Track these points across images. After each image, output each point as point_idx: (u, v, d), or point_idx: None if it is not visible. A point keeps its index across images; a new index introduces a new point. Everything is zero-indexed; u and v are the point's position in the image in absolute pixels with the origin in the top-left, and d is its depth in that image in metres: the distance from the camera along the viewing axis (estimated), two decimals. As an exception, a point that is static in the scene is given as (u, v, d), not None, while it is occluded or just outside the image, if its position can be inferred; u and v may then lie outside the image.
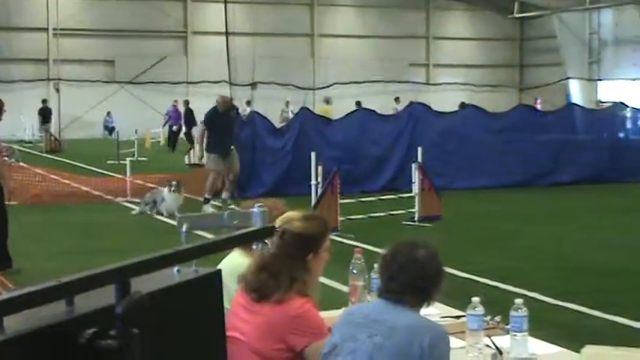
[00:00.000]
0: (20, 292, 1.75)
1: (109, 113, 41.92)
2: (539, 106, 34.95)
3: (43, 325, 1.76)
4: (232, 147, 16.70)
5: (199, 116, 38.25)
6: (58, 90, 42.02)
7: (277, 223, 3.85)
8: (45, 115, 36.98)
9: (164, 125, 36.31)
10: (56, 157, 29.50)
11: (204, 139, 16.89)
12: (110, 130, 40.24)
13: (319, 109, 31.41)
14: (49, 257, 10.79)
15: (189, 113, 36.00)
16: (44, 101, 37.89)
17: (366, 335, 3.41)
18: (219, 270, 2.26)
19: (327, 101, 34.28)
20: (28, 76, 41.73)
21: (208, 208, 15.51)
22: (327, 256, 4.14)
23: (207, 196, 15.95)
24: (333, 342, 3.53)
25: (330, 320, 3.89)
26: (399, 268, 3.48)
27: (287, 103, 37.05)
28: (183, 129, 34.84)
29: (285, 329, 3.58)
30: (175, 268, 2.12)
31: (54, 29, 43.51)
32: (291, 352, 3.62)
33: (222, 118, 16.62)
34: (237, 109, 18.08)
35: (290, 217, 3.95)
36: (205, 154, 17.01)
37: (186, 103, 36.92)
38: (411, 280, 3.46)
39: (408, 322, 3.40)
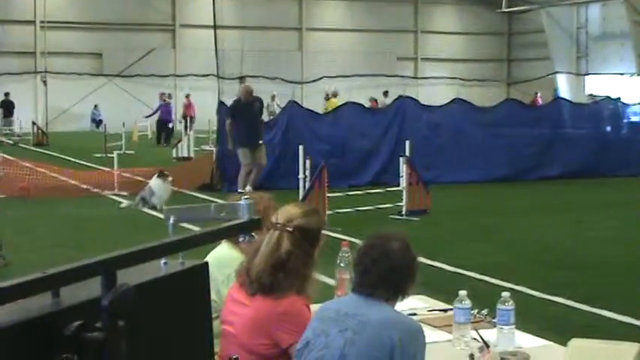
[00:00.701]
0: (5, 285, 1.74)
1: (96, 106, 41.82)
2: (540, 101, 35.13)
3: (29, 317, 1.75)
4: (260, 141, 16.54)
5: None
6: (45, 83, 41.90)
7: (281, 219, 3.85)
8: (7, 108, 37.00)
9: (148, 116, 36.14)
10: (43, 150, 29.41)
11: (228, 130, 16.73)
12: (98, 123, 40.10)
13: (328, 102, 31.26)
14: (36, 250, 10.78)
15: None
16: (6, 94, 37.68)
17: (338, 330, 3.37)
18: (206, 262, 2.26)
19: (335, 95, 34.24)
20: (15, 69, 41.61)
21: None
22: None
23: (239, 190, 15.75)
24: (306, 338, 3.50)
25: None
26: (372, 262, 3.43)
27: (273, 97, 37.07)
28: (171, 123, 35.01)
29: (272, 325, 3.57)
30: (162, 261, 2.12)
31: (41, 22, 43.37)
32: (276, 349, 3.61)
33: (245, 109, 16.61)
34: (261, 100, 17.77)
35: (294, 214, 3.92)
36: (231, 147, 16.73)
37: (164, 96, 37.06)
38: (383, 274, 3.41)
39: (380, 317, 3.36)
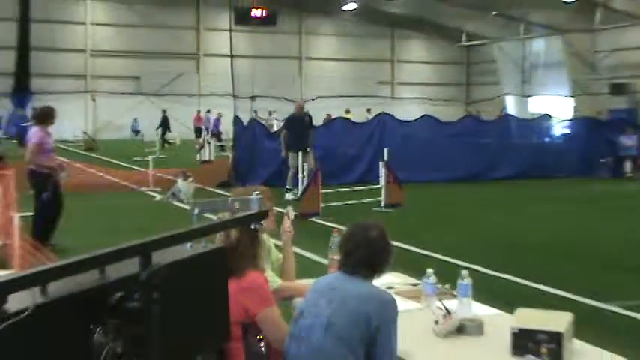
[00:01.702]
0: (61, 263, 1.74)
1: (135, 119, 41.83)
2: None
3: (81, 289, 1.75)
4: (308, 148, 16.22)
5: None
6: (94, 100, 41.97)
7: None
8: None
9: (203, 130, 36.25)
10: (92, 155, 29.36)
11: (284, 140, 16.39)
12: (136, 132, 40.15)
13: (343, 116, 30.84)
14: (88, 234, 10.76)
15: (166, 120, 36.36)
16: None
17: (326, 301, 3.36)
18: (224, 246, 2.26)
19: (348, 111, 34.15)
20: (70, 88, 41.60)
21: (289, 196, 15.29)
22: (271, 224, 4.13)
23: (288, 186, 15.74)
24: (301, 307, 3.50)
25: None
26: (354, 247, 3.43)
27: (270, 112, 37.10)
28: (167, 133, 35.22)
29: (239, 298, 3.43)
30: (188, 244, 2.11)
31: (91, 51, 43.47)
32: (248, 316, 3.52)
33: (297, 121, 16.49)
34: (310, 115, 17.41)
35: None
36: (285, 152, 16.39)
37: (164, 111, 37.10)
38: (364, 257, 3.42)
39: (359, 291, 3.35)
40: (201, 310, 2.03)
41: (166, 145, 33.52)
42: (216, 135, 33.42)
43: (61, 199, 10.24)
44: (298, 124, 16.36)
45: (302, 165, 15.40)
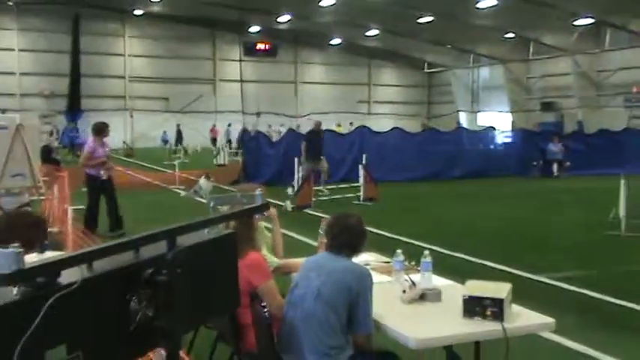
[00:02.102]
0: (103, 246, 1.73)
1: (164, 132, 41.65)
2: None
3: (119, 266, 1.74)
4: (322, 156, 16.07)
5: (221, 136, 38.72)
6: (132, 116, 41.85)
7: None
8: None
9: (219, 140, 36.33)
10: (130, 160, 29.23)
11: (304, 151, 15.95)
12: (165, 142, 39.97)
13: (337, 127, 30.30)
14: (126, 223, 10.67)
15: (180, 133, 36.26)
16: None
17: (316, 275, 3.39)
18: (234, 232, 2.25)
19: (339, 124, 34.02)
20: (112, 107, 41.46)
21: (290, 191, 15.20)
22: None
23: (294, 184, 15.46)
24: (296, 280, 3.53)
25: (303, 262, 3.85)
26: (338, 232, 3.48)
27: (269, 125, 37.02)
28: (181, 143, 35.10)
29: (244, 273, 3.42)
30: (206, 230, 2.11)
31: (129, 77, 43.35)
32: (250, 287, 3.50)
33: (315, 136, 16.32)
34: (324, 131, 17.18)
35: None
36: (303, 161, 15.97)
37: (178, 125, 36.99)
38: (346, 240, 3.46)
39: (342, 266, 3.39)
40: (216, 282, 2.02)
41: (180, 154, 33.30)
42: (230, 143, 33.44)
43: (113, 196, 10.26)
44: (316, 137, 16.22)
45: (311, 170, 15.32)
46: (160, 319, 1.75)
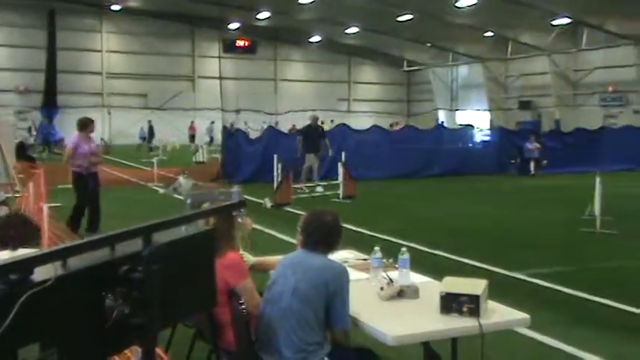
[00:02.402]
0: (78, 243, 1.72)
1: (142, 128, 41.40)
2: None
3: (94, 263, 1.73)
4: (320, 150, 16.25)
5: (200, 132, 38.62)
6: (109, 113, 41.47)
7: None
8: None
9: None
10: (107, 157, 28.92)
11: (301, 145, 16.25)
12: (143, 139, 39.68)
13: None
14: (104, 220, 10.55)
15: (151, 129, 36.23)
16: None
17: (292, 273, 3.39)
18: (213, 228, 2.24)
19: (322, 122, 33.83)
20: (89, 103, 41.04)
21: (320, 189, 15.43)
22: None
23: (302, 178, 15.77)
24: (273, 278, 3.52)
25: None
26: (314, 229, 3.47)
27: (245, 123, 37.02)
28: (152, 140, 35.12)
29: (221, 273, 3.41)
30: (183, 227, 2.10)
31: (106, 73, 42.98)
32: (227, 287, 3.48)
33: (313, 130, 16.52)
34: (322, 126, 17.28)
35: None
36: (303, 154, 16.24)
37: (149, 122, 36.91)
38: (321, 237, 3.45)
39: (318, 264, 3.39)
40: (193, 279, 2.02)
41: (151, 151, 33.21)
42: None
43: (97, 192, 10.04)
44: (313, 132, 16.43)
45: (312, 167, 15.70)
46: (136, 317, 1.74)
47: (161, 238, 1.89)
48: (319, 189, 15.39)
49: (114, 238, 1.77)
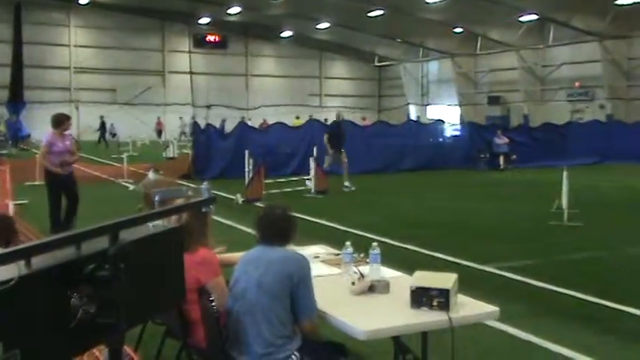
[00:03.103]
0: (42, 241, 1.68)
1: (112, 124, 40.89)
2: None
3: (59, 262, 1.69)
4: (343, 149, 15.97)
5: (170, 128, 38.34)
6: (77, 108, 40.83)
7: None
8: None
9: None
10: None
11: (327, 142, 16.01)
12: (113, 135, 39.23)
13: (293, 121, 29.99)
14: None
15: (104, 124, 36.09)
16: None
17: (254, 267, 3.40)
18: (182, 225, 2.21)
19: (298, 117, 33.71)
20: (57, 99, 40.43)
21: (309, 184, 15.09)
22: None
23: (324, 166, 15.52)
24: (235, 276, 3.52)
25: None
26: (267, 224, 3.50)
27: (204, 118, 36.85)
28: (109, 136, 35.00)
29: (193, 270, 3.37)
30: (151, 224, 2.07)
31: (74, 68, 42.36)
32: (198, 284, 3.46)
33: (337, 128, 16.35)
34: (344, 124, 17.11)
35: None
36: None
37: (101, 117, 36.77)
38: (275, 230, 3.48)
39: (279, 255, 3.42)
40: (161, 277, 1.99)
41: (104, 146, 33.00)
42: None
43: (74, 192, 9.60)
44: (337, 131, 16.25)
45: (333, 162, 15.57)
46: (103, 316, 1.71)
47: (128, 235, 1.86)
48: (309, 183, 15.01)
49: (80, 237, 1.74)
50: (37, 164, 9.44)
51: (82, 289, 1.69)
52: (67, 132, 9.50)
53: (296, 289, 3.32)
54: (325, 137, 16.15)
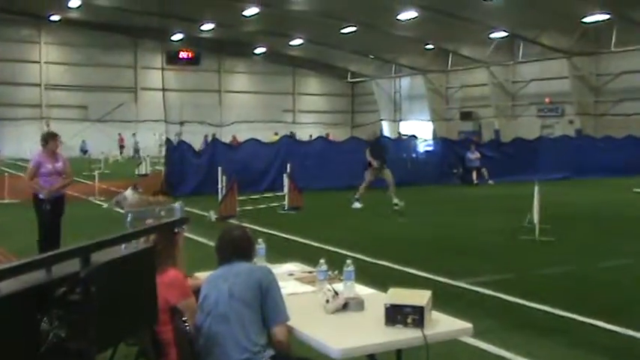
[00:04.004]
0: (11, 265, 1.66)
1: (83, 141, 40.52)
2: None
3: (29, 286, 1.67)
4: (385, 165, 15.40)
5: (146, 143, 37.96)
6: (48, 125, 40.37)
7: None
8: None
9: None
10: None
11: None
12: (84, 152, 38.82)
13: (271, 137, 29.70)
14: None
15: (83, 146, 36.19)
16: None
17: (222, 281, 3.47)
18: (153, 246, 2.20)
19: (276, 133, 33.59)
20: (28, 115, 39.97)
21: (357, 205, 14.78)
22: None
23: (356, 196, 14.96)
24: (204, 294, 3.54)
25: None
26: (225, 246, 3.61)
27: (175, 135, 36.60)
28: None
29: (162, 291, 3.35)
30: (123, 245, 2.05)
31: (45, 85, 41.91)
32: (168, 305, 3.43)
33: (377, 144, 15.91)
34: (379, 138, 16.55)
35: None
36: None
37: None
38: (234, 250, 3.59)
39: (245, 267, 3.53)
40: (133, 299, 1.97)
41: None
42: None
43: (57, 223, 8.55)
44: (377, 147, 15.73)
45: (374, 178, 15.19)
46: (73, 340, 1.69)
47: (100, 257, 1.84)
48: (356, 205, 14.67)
49: (50, 260, 1.72)
50: (8, 184, 9.03)
51: (53, 313, 1.67)
52: (57, 150, 8.64)
53: (265, 296, 3.40)
54: (367, 152, 15.70)
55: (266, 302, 3.38)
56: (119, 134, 39.65)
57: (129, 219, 2.21)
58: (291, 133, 29.53)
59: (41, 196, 8.24)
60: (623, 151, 24.67)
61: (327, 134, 34.31)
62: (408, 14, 31.24)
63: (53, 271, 1.79)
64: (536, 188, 10.54)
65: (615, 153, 24.38)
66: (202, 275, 4.20)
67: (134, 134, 39.84)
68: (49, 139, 8.53)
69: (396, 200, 14.98)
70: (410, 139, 24.57)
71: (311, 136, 32.43)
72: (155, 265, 2.12)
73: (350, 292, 3.83)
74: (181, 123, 42.56)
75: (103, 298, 1.78)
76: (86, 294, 1.71)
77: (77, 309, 1.71)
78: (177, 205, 2.32)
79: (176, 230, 2.63)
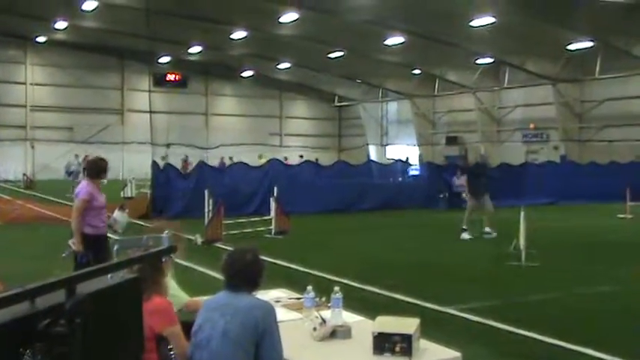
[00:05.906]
0: (-4, 297, 1.62)
1: (68, 162, 40.24)
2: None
3: (11, 318, 1.63)
4: (485, 191, 14.53)
5: (129, 167, 37.70)
6: (33, 147, 40.18)
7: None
8: None
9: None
10: (31, 192, 27.89)
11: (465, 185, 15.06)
12: (69, 173, 38.51)
13: (259, 160, 29.44)
14: (25, 260, 10.13)
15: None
16: None
17: (219, 315, 3.32)
18: (139, 277, 2.16)
19: (261, 156, 33.41)
20: (12, 137, 39.71)
21: (466, 236, 13.97)
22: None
23: (464, 226, 14.17)
24: (198, 323, 3.43)
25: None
26: (236, 271, 3.40)
27: (162, 157, 36.10)
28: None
29: (146, 318, 3.31)
30: (109, 276, 2.02)
31: (30, 106, 41.73)
32: (152, 332, 3.40)
33: (474, 169, 15.20)
34: (485, 162, 15.61)
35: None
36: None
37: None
38: (245, 277, 3.39)
39: (246, 303, 3.34)
40: (119, 330, 1.94)
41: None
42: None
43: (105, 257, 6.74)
44: (474, 172, 14.98)
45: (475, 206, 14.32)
46: (57, 373, 1.65)
47: (86, 288, 1.81)
48: (465, 235, 14.00)
49: (34, 292, 1.68)
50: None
51: (36, 347, 1.63)
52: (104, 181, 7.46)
53: (261, 338, 3.25)
54: (464, 180, 15.14)
55: (262, 345, 3.25)
56: (85, 156, 39.17)
57: (116, 248, 2.19)
58: (285, 158, 29.42)
59: (94, 233, 7.08)
60: (607, 177, 24.91)
61: (317, 159, 34.34)
62: (395, 39, 31.56)
63: (37, 302, 1.74)
64: (522, 213, 10.59)
65: (599, 179, 24.60)
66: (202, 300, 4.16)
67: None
68: (104, 169, 7.20)
69: (488, 229, 14.41)
70: (396, 164, 24.69)
71: (302, 156, 32.41)
72: (141, 295, 2.08)
73: (338, 320, 3.81)
74: (168, 145, 42.43)
75: (87, 330, 1.74)
76: (71, 326, 1.67)
77: (61, 342, 1.67)
78: (165, 234, 2.30)
79: (163, 260, 2.60)
